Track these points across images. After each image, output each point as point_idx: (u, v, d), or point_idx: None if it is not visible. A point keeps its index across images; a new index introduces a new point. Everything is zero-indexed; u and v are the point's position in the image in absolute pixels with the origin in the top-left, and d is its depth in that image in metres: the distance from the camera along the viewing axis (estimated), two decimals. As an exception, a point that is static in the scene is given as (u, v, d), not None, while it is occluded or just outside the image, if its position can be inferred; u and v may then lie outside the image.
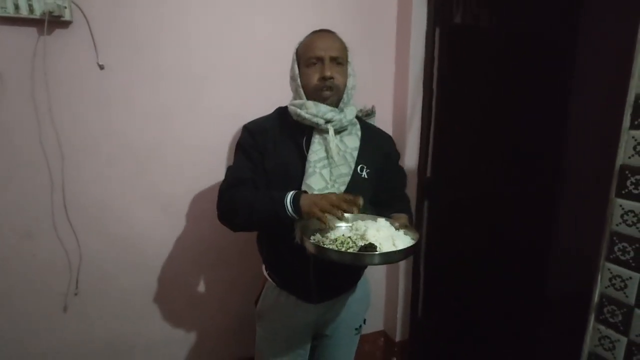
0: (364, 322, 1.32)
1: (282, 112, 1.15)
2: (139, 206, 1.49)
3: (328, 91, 1.05)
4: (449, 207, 1.86)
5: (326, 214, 0.90)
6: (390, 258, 0.91)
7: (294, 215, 0.94)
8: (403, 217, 1.06)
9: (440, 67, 1.69)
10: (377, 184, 1.16)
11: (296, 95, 1.09)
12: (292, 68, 1.10)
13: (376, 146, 1.17)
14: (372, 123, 1.70)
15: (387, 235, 0.96)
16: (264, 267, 1.22)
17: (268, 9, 1.51)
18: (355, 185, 1.08)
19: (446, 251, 1.91)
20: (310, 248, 0.92)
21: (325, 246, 0.92)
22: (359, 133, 1.14)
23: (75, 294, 1.47)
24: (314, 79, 1.04)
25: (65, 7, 1.26)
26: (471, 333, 2.04)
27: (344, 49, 1.09)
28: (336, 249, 0.91)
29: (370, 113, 1.69)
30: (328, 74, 1.03)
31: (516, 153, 1.97)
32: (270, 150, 1.08)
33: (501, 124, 1.90)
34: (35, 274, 1.42)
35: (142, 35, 1.38)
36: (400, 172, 1.29)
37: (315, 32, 1.10)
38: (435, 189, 1.80)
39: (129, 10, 1.35)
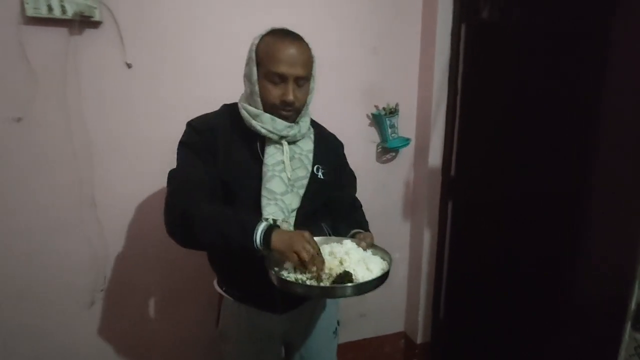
0: (338, 324, 1.26)
1: (232, 111, 1.05)
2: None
3: (287, 112, 0.99)
4: (473, 207, 1.82)
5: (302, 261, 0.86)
6: (365, 288, 0.87)
7: (263, 249, 0.87)
8: (369, 236, 1.04)
9: (466, 64, 1.65)
10: (333, 184, 1.13)
11: (250, 99, 0.99)
12: (249, 67, 0.97)
13: (329, 146, 1.15)
14: (396, 121, 1.69)
15: (358, 259, 0.94)
16: (216, 281, 1.14)
17: (294, 5, 1.51)
18: (313, 186, 1.05)
19: (470, 252, 1.86)
20: (274, 280, 0.89)
21: (289, 279, 0.88)
22: (312, 136, 1.10)
23: (102, 290, 1.51)
24: (275, 98, 0.96)
25: (95, 8, 1.29)
26: (495, 337, 1.99)
27: (310, 63, 0.98)
28: (302, 282, 0.88)
29: (394, 111, 1.67)
30: (291, 98, 0.95)
31: (545, 153, 1.91)
32: (220, 151, 0.99)
33: (529, 122, 1.84)
34: (63, 269, 1.46)
35: (170, 34, 1.40)
36: (351, 174, 1.25)
37: (281, 38, 0.95)
38: (459, 189, 1.76)
39: (156, 9, 1.37)
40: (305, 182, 1.03)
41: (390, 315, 1.97)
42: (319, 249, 0.89)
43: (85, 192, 1.42)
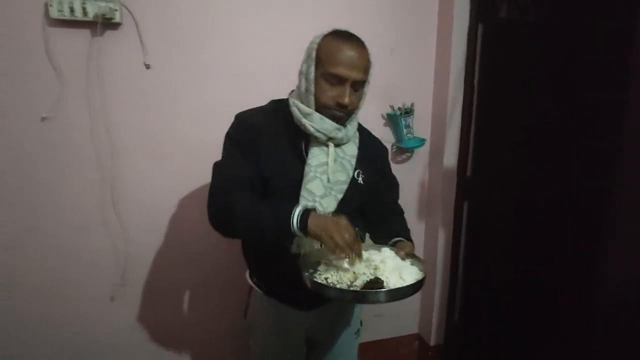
0: (361, 324, 1.27)
1: (280, 107, 1.06)
2: (183, 202, 1.53)
3: (340, 114, 0.99)
4: (489, 208, 1.79)
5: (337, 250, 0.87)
6: (398, 294, 0.86)
7: (299, 233, 0.88)
8: (408, 246, 1.04)
9: (483, 64, 1.63)
10: (372, 190, 1.13)
11: (303, 97, 0.99)
12: (307, 65, 0.97)
13: (371, 151, 1.14)
14: (411, 121, 1.68)
15: (393, 267, 0.93)
16: (247, 273, 1.16)
17: (312, 6, 1.52)
18: (352, 191, 1.04)
19: (485, 254, 1.84)
20: (308, 283, 0.90)
21: (322, 282, 0.89)
22: (357, 141, 1.09)
23: (122, 285, 1.54)
24: (330, 99, 0.96)
25: (116, 10, 1.32)
26: (510, 341, 1.96)
27: (368, 67, 0.98)
28: (334, 285, 0.89)
29: (410, 111, 1.66)
30: (346, 101, 0.95)
31: (564, 153, 1.87)
32: (263, 148, 0.99)
33: (547, 123, 1.81)
34: (87, 265, 1.49)
35: (188, 36, 1.42)
36: (393, 180, 1.24)
37: (344, 40, 0.95)
38: (475, 190, 1.74)
39: (175, 11, 1.39)
40: (344, 187, 1.03)
41: (405, 316, 1.96)
42: (356, 234, 0.89)
43: (106, 190, 1.45)
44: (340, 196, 1.02)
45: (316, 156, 1.00)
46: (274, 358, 1.15)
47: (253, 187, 0.99)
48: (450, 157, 1.73)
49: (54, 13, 1.27)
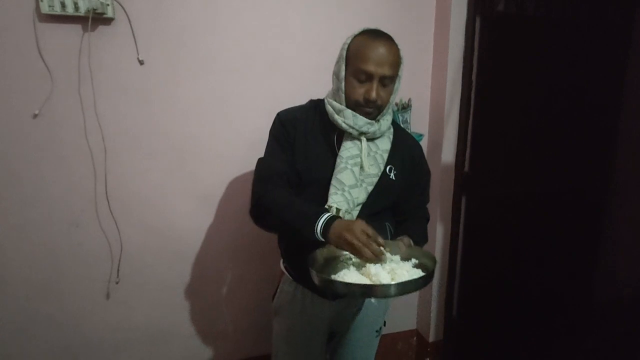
0: (384, 324, 1.29)
1: (317, 105, 1.12)
2: (177, 198, 1.53)
3: (369, 109, 1.02)
4: (488, 203, 1.79)
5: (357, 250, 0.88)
6: (407, 288, 0.85)
7: (321, 239, 0.92)
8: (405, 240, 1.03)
9: (481, 58, 1.62)
10: (402, 188, 1.14)
11: (336, 95, 1.05)
12: (339, 65, 1.02)
13: (406, 150, 1.16)
14: (408, 117, 1.67)
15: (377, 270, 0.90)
16: (281, 260, 1.21)
17: (308, 1, 1.50)
18: (382, 186, 1.08)
19: (483, 249, 1.84)
20: (315, 279, 0.90)
21: (328, 278, 0.89)
22: (391, 136, 1.12)
23: (117, 282, 1.53)
24: (359, 95, 0.99)
25: (108, 5, 1.30)
26: (509, 336, 1.96)
27: (398, 64, 1.01)
28: (340, 280, 0.88)
29: (407, 106, 1.65)
30: (374, 96, 0.98)
31: (561, 148, 1.86)
32: (300, 143, 1.06)
33: (546, 118, 1.80)
34: (81, 261, 1.49)
35: (181, 31, 1.40)
36: (426, 183, 1.25)
37: (372, 38, 0.99)
38: (474, 184, 1.74)
39: (169, 6, 1.37)
40: (375, 179, 1.06)
41: (403, 312, 1.95)
42: (375, 235, 0.88)
43: (99, 186, 1.44)
44: (370, 188, 1.06)
45: (348, 149, 1.04)
46: (296, 341, 1.17)
47: (289, 182, 1.05)
48: (448, 153, 1.72)
49: (45, 8, 1.25)
